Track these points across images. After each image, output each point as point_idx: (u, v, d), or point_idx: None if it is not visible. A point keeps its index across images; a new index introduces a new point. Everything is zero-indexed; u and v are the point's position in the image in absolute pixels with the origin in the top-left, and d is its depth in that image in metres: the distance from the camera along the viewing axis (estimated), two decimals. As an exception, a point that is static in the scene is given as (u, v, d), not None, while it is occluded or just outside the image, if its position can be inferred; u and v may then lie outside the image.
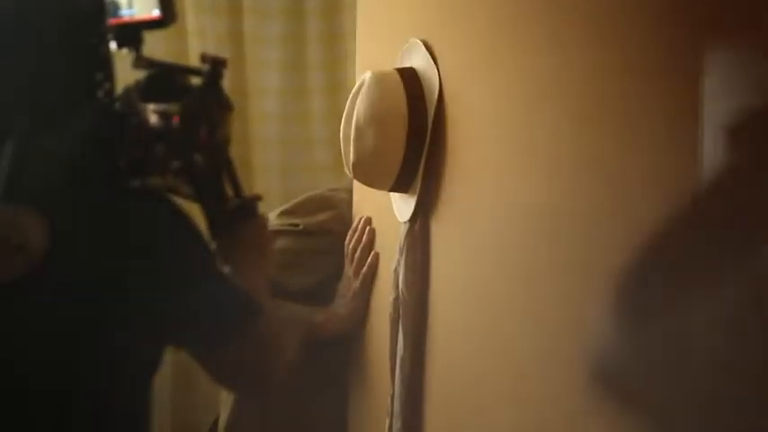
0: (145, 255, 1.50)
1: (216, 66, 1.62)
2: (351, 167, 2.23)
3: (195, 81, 1.64)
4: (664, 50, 1.57)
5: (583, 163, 1.74)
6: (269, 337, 1.59)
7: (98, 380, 1.51)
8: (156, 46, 3.22)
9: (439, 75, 2.15)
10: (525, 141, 1.90)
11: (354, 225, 2.41)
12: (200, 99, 1.60)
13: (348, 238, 2.40)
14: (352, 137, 2.21)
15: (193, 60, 3.32)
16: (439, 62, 2.16)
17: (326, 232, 2.50)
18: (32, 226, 1.43)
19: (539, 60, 1.87)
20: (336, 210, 2.52)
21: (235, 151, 3.44)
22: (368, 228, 2.38)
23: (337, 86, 3.39)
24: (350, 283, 2.37)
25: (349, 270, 2.38)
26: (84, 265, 1.48)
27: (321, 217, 2.51)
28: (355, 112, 2.21)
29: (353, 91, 2.26)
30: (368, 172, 2.22)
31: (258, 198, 1.76)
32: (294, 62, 3.49)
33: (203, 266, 1.56)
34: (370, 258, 2.35)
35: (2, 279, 1.41)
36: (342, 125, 2.27)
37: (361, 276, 2.34)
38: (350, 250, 2.38)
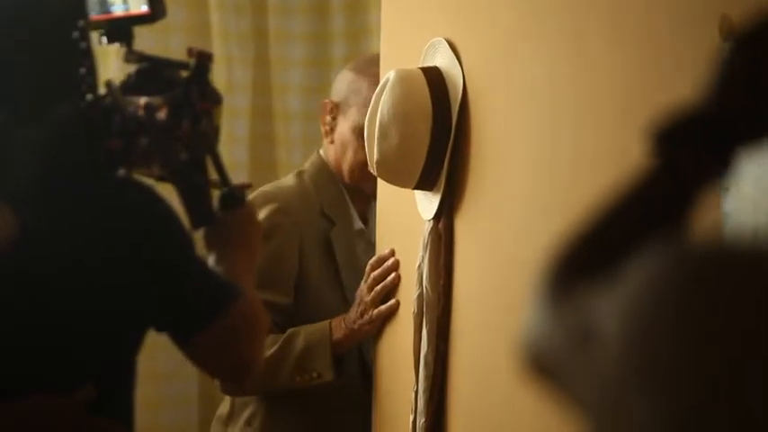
0: (124, 241, 1.54)
1: (201, 59, 1.67)
2: (375, 166, 2.24)
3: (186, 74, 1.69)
4: (688, 42, 1.57)
5: (610, 160, 1.75)
6: (247, 322, 1.62)
7: (77, 364, 1.54)
8: (179, 45, 3.25)
9: (463, 73, 2.15)
10: (550, 139, 1.90)
11: (381, 255, 2.39)
12: (184, 92, 1.64)
13: (370, 266, 2.38)
14: (376, 135, 2.22)
15: (219, 60, 3.34)
16: (463, 60, 2.17)
17: (274, 227, 2.44)
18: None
19: (562, 58, 1.87)
20: (276, 203, 2.47)
21: (259, 149, 3.49)
22: (392, 259, 2.36)
23: (361, 84, 3.39)
24: (366, 307, 2.37)
25: (367, 296, 2.37)
26: (62, 252, 1.52)
27: (263, 213, 2.44)
28: (379, 111, 2.22)
29: (377, 89, 2.27)
30: (392, 170, 2.23)
31: (247, 187, 1.80)
32: (318, 60, 3.50)
33: (183, 252, 1.60)
34: (389, 279, 2.35)
35: None
36: (366, 123, 2.28)
37: (372, 298, 2.36)
38: (371, 279, 2.36)
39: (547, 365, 0.81)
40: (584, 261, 0.82)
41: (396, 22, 2.46)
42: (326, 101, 2.47)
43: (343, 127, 2.42)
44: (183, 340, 1.61)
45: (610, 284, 0.77)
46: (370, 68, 2.42)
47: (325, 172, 2.46)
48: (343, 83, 2.47)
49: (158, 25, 3.30)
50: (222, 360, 1.64)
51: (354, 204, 2.46)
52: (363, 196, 2.47)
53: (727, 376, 0.69)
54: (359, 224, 2.45)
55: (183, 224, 1.62)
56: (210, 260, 1.68)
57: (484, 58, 2.12)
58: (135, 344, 1.61)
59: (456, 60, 2.17)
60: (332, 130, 2.44)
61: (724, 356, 0.69)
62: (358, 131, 2.37)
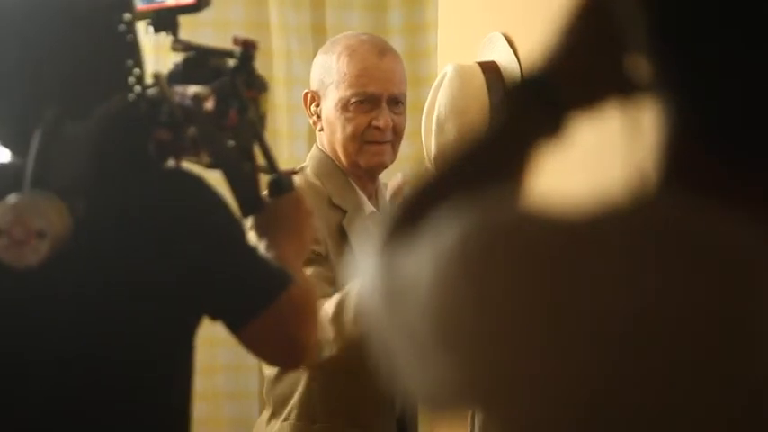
0: (175, 231, 1.56)
1: (247, 48, 1.68)
2: (432, 161, 2.25)
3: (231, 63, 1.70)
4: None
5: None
6: (299, 307, 1.64)
7: (133, 353, 1.56)
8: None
9: (520, 68, 2.15)
10: (607, 133, 1.89)
11: None
12: (230, 81, 1.65)
13: None
14: (433, 130, 2.23)
15: (279, 54, 3.36)
16: (520, 55, 2.16)
17: None
18: (54, 212, 1.48)
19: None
20: None
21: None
22: None
23: (419, 79, 3.40)
24: None
25: None
26: (116, 244, 1.55)
27: None
28: (437, 106, 2.23)
29: (435, 84, 2.28)
30: (449, 165, 2.23)
31: (294, 173, 1.80)
32: (376, 54, 3.51)
33: (233, 241, 1.62)
34: None
35: (26, 264, 1.46)
36: (423, 118, 2.28)
37: None
38: None
39: (371, 316, 0.84)
40: (421, 211, 0.84)
41: (453, 17, 2.46)
42: (305, 92, 2.45)
43: (327, 109, 2.39)
44: (237, 328, 1.63)
45: (425, 240, 0.80)
46: (333, 46, 2.40)
47: (325, 162, 2.42)
48: (315, 69, 2.44)
49: (219, 21, 3.36)
50: (276, 346, 1.66)
51: (362, 189, 2.43)
52: (369, 178, 2.44)
53: (517, 336, 0.73)
54: (370, 207, 2.42)
55: (233, 212, 1.64)
56: (261, 247, 1.70)
57: (541, 53, 2.12)
58: (190, 332, 1.63)
59: (513, 55, 2.17)
60: (319, 118, 2.42)
61: (510, 317, 0.74)
62: (341, 105, 2.34)
